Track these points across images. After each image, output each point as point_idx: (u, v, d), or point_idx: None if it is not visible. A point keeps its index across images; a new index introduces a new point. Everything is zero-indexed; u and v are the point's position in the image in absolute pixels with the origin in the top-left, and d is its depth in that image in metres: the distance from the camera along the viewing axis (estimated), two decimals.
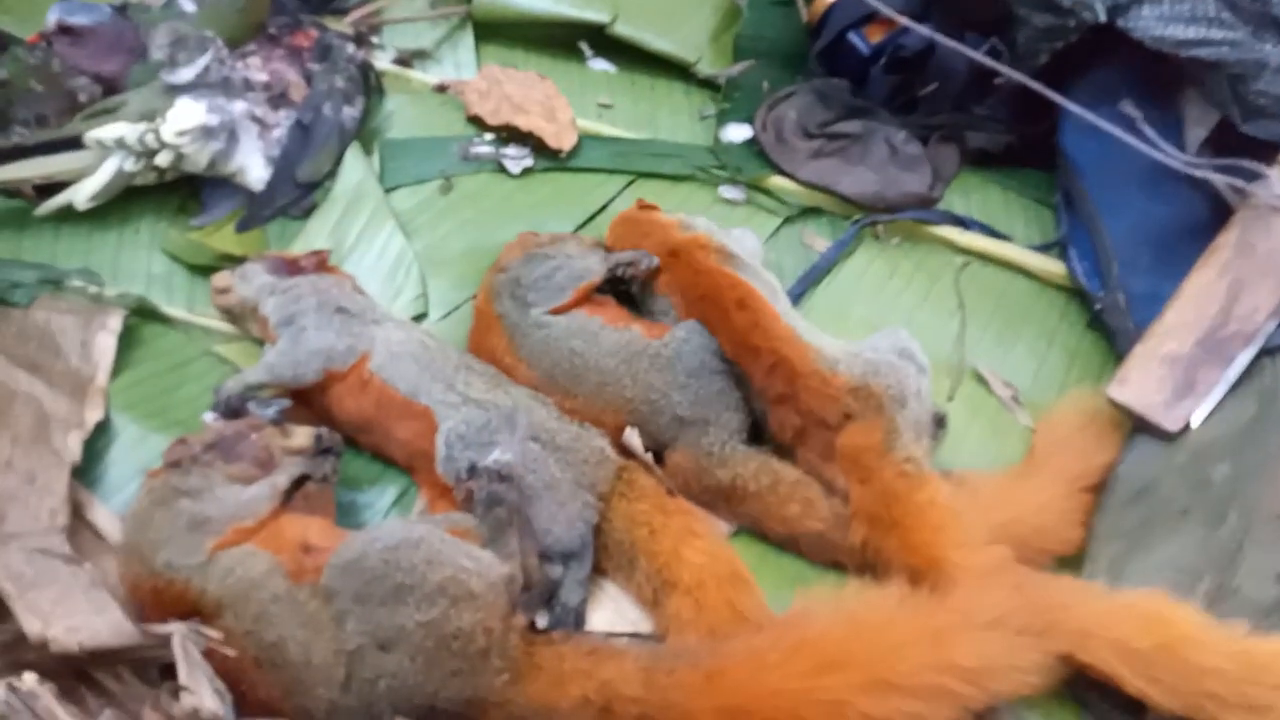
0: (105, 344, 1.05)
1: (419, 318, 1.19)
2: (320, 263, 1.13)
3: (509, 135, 1.39)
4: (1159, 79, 1.30)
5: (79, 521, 0.93)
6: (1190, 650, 0.83)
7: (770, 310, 1.05)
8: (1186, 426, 1.07)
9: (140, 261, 1.24)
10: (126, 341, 1.10)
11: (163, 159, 1.24)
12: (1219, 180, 1.21)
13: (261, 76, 1.32)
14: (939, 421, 1.09)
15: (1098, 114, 1.26)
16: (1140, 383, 1.11)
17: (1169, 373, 1.11)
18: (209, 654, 0.80)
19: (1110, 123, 1.25)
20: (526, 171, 1.36)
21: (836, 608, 0.85)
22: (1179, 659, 0.83)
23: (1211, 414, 1.07)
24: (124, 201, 1.27)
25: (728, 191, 1.38)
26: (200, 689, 0.76)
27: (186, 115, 1.24)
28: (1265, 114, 1.20)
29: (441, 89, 1.47)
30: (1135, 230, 1.30)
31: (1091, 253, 1.32)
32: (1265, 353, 1.12)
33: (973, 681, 0.81)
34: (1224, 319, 1.13)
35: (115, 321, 1.09)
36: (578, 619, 0.93)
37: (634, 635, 0.92)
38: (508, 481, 0.91)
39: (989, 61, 1.33)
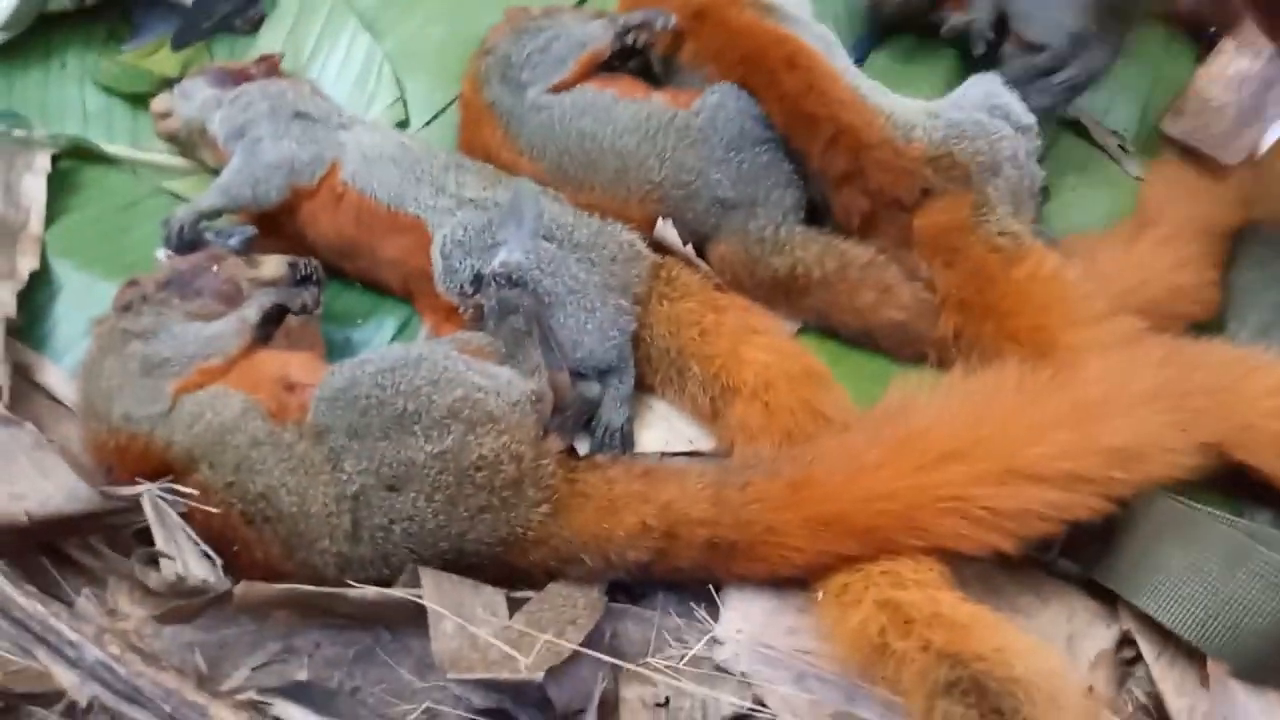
0: (33, 186, 0.90)
1: (400, 126, 1.00)
2: (271, 68, 0.95)
3: None
4: None
5: (30, 386, 0.80)
6: None
7: (827, 69, 0.86)
8: (1251, 159, 0.89)
9: (72, 98, 1.07)
10: (65, 186, 0.95)
11: None
12: None
13: None
14: (1042, 191, 0.91)
15: None
16: (1198, 112, 0.95)
17: (1234, 96, 0.94)
18: (189, 515, 0.67)
19: None
20: None
21: (945, 394, 0.69)
22: None
23: None
24: (44, 33, 1.09)
25: None
26: (183, 554, 0.63)
27: None
28: None
29: None
30: None
31: None
32: None
33: (1121, 465, 0.65)
34: None
35: (42, 161, 0.93)
36: (625, 441, 0.78)
37: (694, 454, 0.77)
38: (521, 286, 0.75)
39: None
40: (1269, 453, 0.70)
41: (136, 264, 0.88)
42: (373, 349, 0.87)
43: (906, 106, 0.87)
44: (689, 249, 0.86)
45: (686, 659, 0.62)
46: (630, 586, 0.70)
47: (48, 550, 0.69)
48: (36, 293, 0.85)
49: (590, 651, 0.62)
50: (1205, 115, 0.94)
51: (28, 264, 0.83)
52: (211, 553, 0.66)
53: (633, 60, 0.95)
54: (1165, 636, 0.67)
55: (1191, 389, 0.71)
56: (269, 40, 1.09)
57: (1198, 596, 0.64)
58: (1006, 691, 0.55)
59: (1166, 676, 0.65)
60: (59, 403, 0.79)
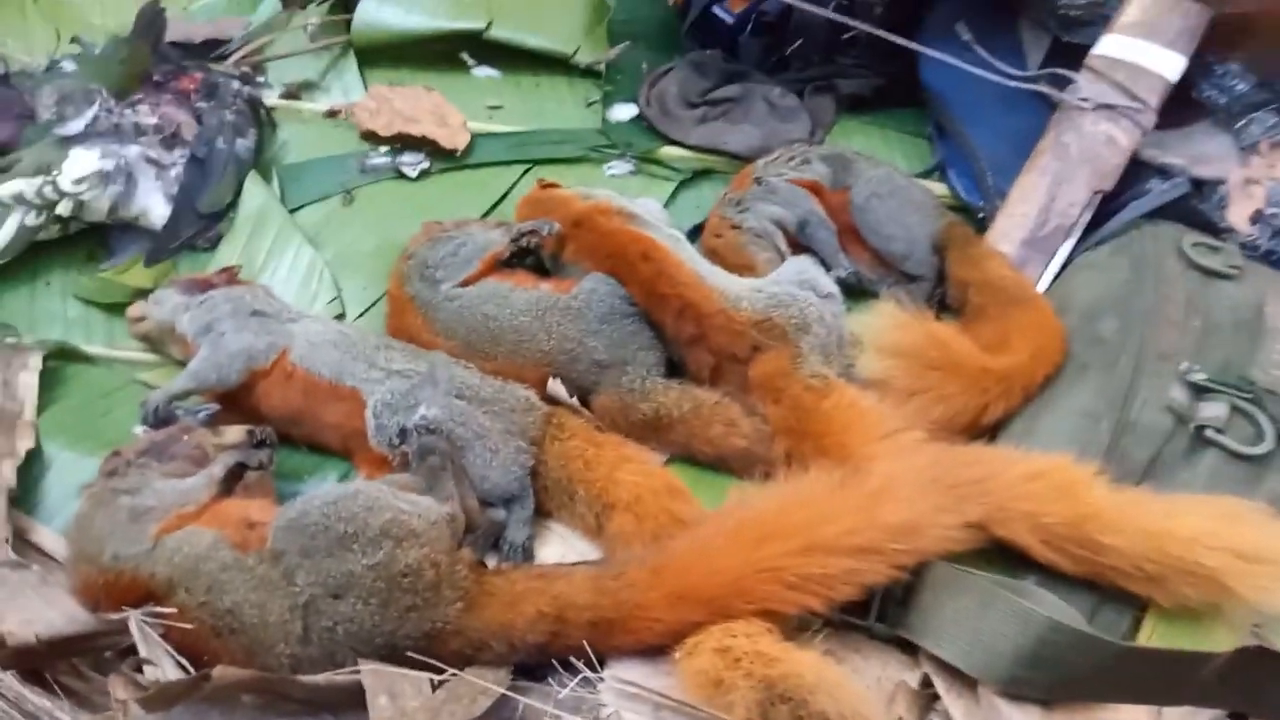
0: (27, 381, 1.07)
1: (338, 318, 1.22)
2: (230, 277, 1.16)
3: (403, 145, 1.44)
4: (996, 9, 1.43)
5: (24, 545, 0.94)
6: (1094, 528, 0.86)
7: (673, 259, 1.11)
8: None
9: (55, 311, 1.25)
10: (50, 380, 1.11)
11: (63, 208, 1.26)
12: (1046, 90, 1.32)
13: (152, 120, 1.35)
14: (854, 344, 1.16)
15: (945, 45, 1.37)
16: None
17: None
18: (167, 635, 0.81)
19: (957, 52, 1.35)
20: (424, 174, 1.41)
21: (769, 493, 0.89)
22: (1083, 535, 0.87)
23: (1092, 279, 1.16)
24: (31, 257, 1.28)
25: (614, 168, 1.43)
26: (163, 664, 0.78)
27: (81, 163, 1.26)
28: (1078, 23, 1.32)
29: (332, 114, 1.51)
30: (1001, 142, 1.40)
31: (968, 171, 1.41)
32: (1134, 225, 1.22)
33: (899, 539, 0.85)
34: (1045, 216, 1.23)
35: (35, 360, 1.10)
36: (526, 554, 0.96)
37: (583, 562, 0.95)
38: (437, 433, 0.95)
39: (837, 16, 1.43)
40: (1019, 527, 0.88)
41: (115, 441, 1.04)
42: None
43: (736, 284, 1.10)
44: (574, 400, 1.06)
45: (565, 693, 0.78)
46: (532, 669, 0.86)
47: (41, 678, 0.82)
48: (30, 468, 1.00)
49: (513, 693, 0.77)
50: None
51: (24, 444, 0.99)
52: (186, 664, 0.81)
53: (527, 258, 1.19)
54: (952, 672, 0.84)
55: (958, 479, 0.90)
56: (227, 254, 1.30)
57: (965, 634, 0.83)
58: (799, 695, 0.73)
59: (955, 704, 0.83)
60: (49, 557, 0.94)
